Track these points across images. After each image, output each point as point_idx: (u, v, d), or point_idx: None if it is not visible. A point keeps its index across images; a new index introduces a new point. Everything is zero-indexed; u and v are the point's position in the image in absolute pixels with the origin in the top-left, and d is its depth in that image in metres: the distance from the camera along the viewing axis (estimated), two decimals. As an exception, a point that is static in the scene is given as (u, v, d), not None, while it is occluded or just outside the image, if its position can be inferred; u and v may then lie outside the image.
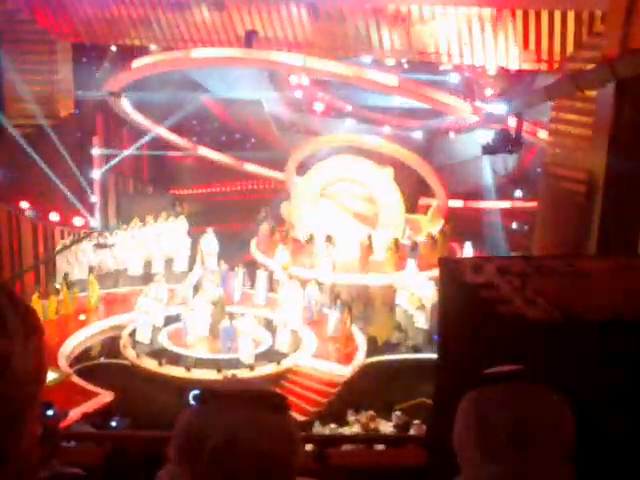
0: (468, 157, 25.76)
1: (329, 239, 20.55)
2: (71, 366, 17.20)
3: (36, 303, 17.88)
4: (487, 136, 24.74)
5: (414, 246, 20.73)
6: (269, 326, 18.57)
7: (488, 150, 16.32)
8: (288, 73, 24.10)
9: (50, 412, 11.83)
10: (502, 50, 18.69)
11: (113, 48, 23.50)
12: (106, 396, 15.91)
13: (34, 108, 21.98)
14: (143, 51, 22.19)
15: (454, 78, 24.24)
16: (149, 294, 19.02)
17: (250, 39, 20.12)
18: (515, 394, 1.74)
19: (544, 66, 18.51)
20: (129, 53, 22.40)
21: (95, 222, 23.31)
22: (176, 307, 19.17)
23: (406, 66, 22.34)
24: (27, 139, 21.24)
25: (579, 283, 4.57)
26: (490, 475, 1.70)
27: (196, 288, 19.47)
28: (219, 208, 25.94)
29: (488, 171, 25.10)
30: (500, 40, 18.51)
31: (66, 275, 20.37)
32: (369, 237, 20.70)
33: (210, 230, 22.38)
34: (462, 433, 1.77)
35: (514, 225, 24.84)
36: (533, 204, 21.61)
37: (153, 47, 22.09)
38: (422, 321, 18.80)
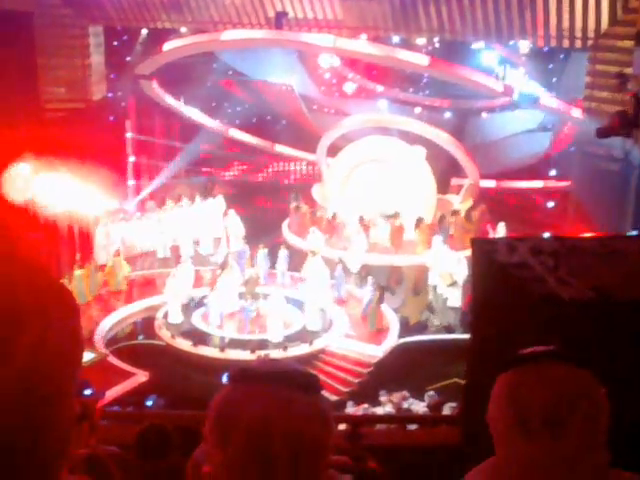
0: (501, 137, 25.49)
1: (362, 220, 20.52)
2: (107, 347, 17.43)
3: (73, 283, 18.15)
4: (520, 115, 24.59)
5: (445, 226, 20.64)
6: (300, 306, 18.60)
7: (603, 133, 15.56)
8: (318, 54, 23.99)
9: (87, 392, 12.03)
10: (535, 28, 18.40)
11: (144, 31, 23.58)
12: (142, 376, 16.11)
13: (67, 92, 22.18)
14: (174, 34, 22.23)
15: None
16: (177, 275, 19.14)
17: (280, 20, 20.06)
18: (550, 375, 1.73)
19: (578, 43, 18.21)
20: (160, 36, 22.46)
21: (129, 205, 23.52)
22: (205, 288, 19.28)
23: (437, 45, 22.14)
24: (61, 123, 21.45)
25: (613, 263, 4.52)
26: (524, 455, 1.70)
27: (222, 269, 19.47)
28: (250, 190, 26.03)
29: (521, 150, 24.82)
30: (533, 18, 18.23)
31: (99, 256, 20.58)
32: (400, 217, 20.60)
33: (232, 211, 22.38)
34: (497, 414, 1.77)
35: (549, 204, 24.56)
36: (567, 183, 21.37)
37: (184, 30, 22.13)
38: (454, 299, 18.73)
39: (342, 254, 20.10)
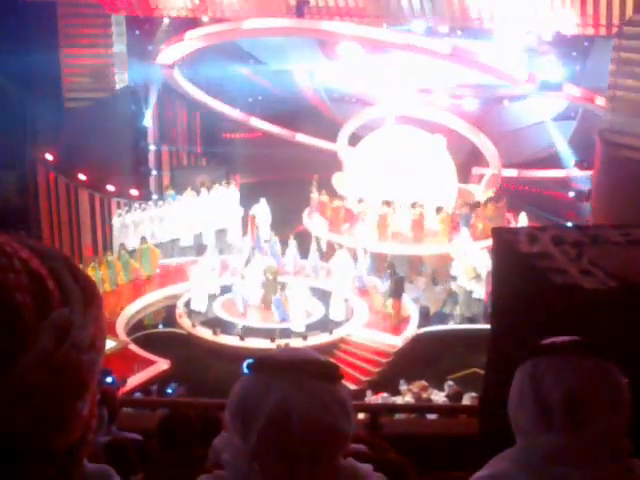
0: (523, 125, 25.30)
1: (381, 206, 20.44)
2: (129, 335, 17.55)
3: (93, 274, 18.24)
4: (543, 104, 24.37)
5: (467, 216, 20.51)
6: (321, 295, 18.64)
7: None
8: (339, 42, 23.89)
9: (109, 379, 12.14)
10: (559, 15, 18.22)
11: (166, 21, 23.61)
12: (163, 364, 16.23)
13: (90, 81, 22.29)
14: (195, 23, 22.25)
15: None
16: (203, 264, 19.22)
17: (301, 8, 20.02)
18: (571, 365, 1.73)
19: (602, 31, 18.01)
20: (181, 25, 22.48)
21: (150, 193, 23.62)
22: (230, 277, 19.36)
23: (459, 33, 21.96)
24: (83, 112, 21.58)
25: (636, 252, 4.48)
26: (545, 446, 1.70)
27: (248, 258, 19.56)
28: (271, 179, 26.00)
29: (543, 139, 24.61)
30: (557, 4, 18.05)
31: (122, 245, 20.69)
32: (420, 206, 20.51)
33: (263, 200, 22.43)
34: (517, 404, 1.77)
35: (570, 194, 24.35)
36: (589, 173, 21.16)
37: (205, 19, 22.13)
38: (478, 291, 18.65)
39: (360, 242, 19.99)
